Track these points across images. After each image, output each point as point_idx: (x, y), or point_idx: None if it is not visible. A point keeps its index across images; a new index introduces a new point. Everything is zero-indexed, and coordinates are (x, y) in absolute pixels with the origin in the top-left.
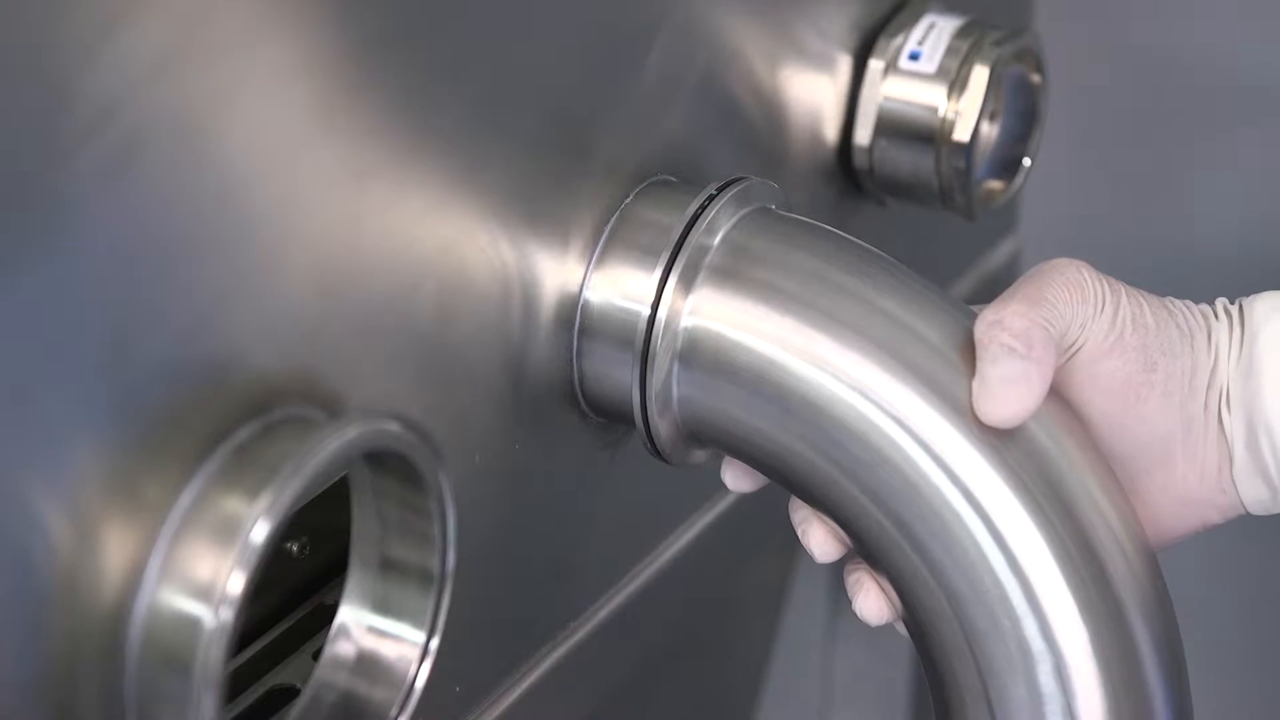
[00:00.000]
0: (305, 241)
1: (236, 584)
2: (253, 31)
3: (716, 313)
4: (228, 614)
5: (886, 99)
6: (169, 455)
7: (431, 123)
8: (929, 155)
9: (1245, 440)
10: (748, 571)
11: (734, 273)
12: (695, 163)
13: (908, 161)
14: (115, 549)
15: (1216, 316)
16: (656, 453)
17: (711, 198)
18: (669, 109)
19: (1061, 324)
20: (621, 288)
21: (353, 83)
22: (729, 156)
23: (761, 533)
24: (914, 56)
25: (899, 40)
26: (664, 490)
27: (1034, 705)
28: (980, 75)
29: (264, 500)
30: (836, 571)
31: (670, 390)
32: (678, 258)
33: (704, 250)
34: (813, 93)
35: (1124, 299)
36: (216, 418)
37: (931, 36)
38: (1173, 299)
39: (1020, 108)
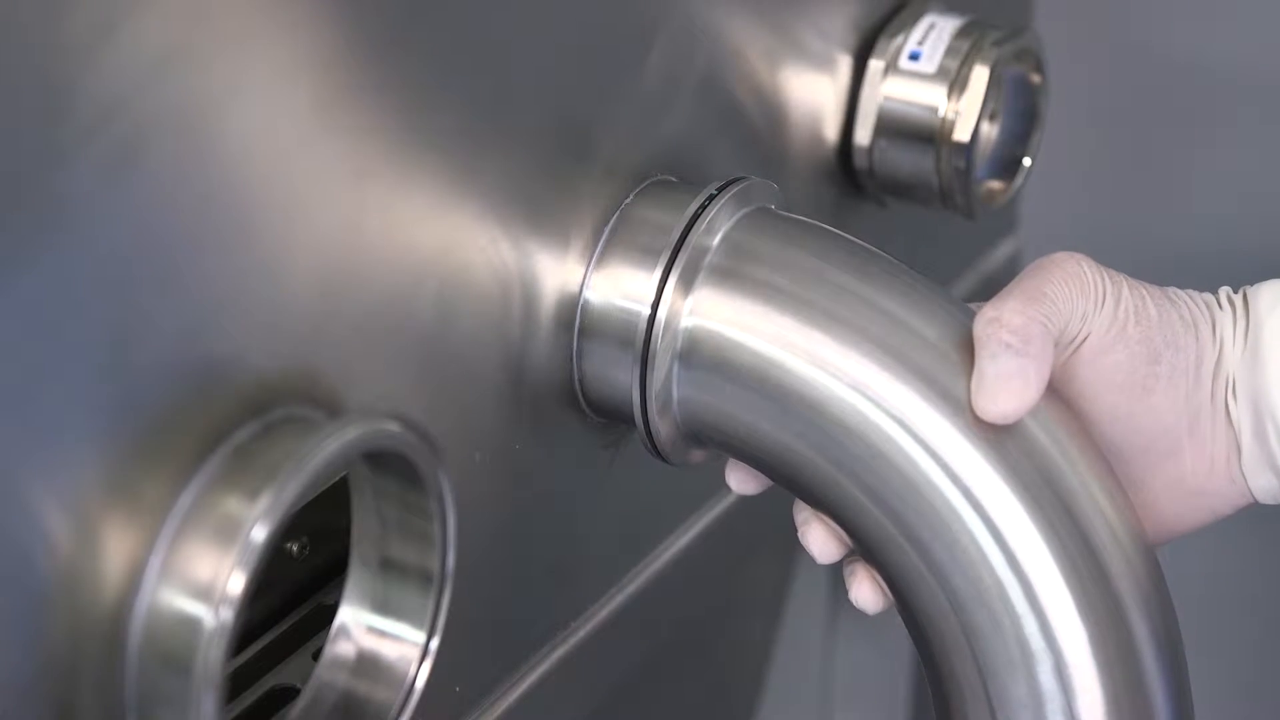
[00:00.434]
0: (305, 241)
1: (236, 584)
2: (253, 31)
3: (716, 312)
4: (228, 614)
5: (886, 99)
6: (169, 455)
7: (431, 123)
8: (929, 155)
9: (1253, 428)
10: (748, 571)
11: (734, 272)
12: (695, 163)
13: (908, 161)
14: (115, 549)
15: (1220, 306)
16: (656, 453)
17: (711, 198)
18: (669, 109)
19: (1061, 319)
20: (621, 288)
21: (353, 83)
22: (729, 156)
23: (761, 533)
24: (914, 56)
25: (899, 40)
26: (664, 490)
27: (1034, 704)
28: (980, 75)
29: (264, 500)
30: (836, 571)
31: (670, 390)
32: (678, 258)
33: (704, 250)
34: (813, 93)
35: (1125, 291)
36: (216, 418)
37: (931, 36)
38: (1175, 290)
39: (1020, 108)
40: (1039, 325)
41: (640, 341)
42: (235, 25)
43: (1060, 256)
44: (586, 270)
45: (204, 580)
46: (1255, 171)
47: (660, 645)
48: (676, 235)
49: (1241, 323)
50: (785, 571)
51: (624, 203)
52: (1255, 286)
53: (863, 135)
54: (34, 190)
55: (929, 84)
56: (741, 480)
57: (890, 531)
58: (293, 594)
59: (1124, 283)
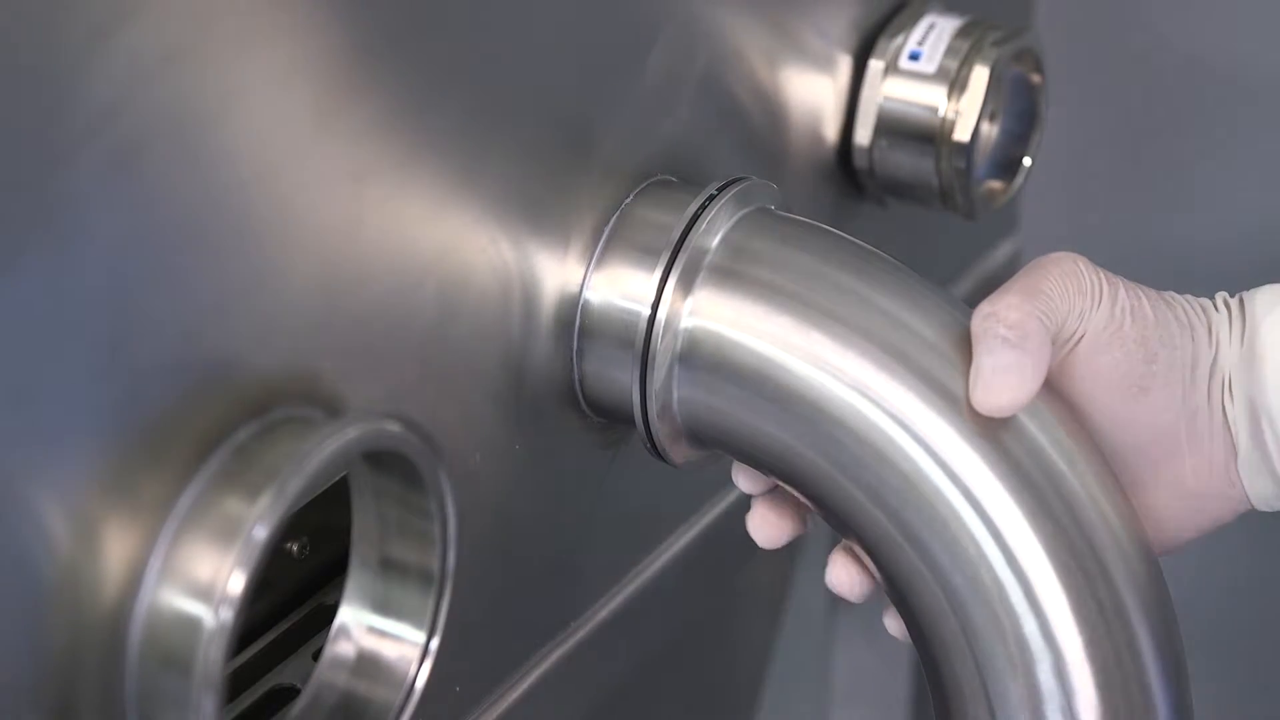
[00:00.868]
0: (305, 242)
1: (236, 584)
2: (253, 32)
3: (716, 313)
4: (228, 614)
5: (887, 99)
6: (169, 455)
7: (431, 123)
8: (929, 155)
9: (1249, 429)
10: (748, 571)
11: (734, 273)
12: (695, 163)
13: (908, 161)
14: (115, 549)
15: (1216, 309)
16: (656, 453)
17: (711, 198)
18: (669, 109)
19: (1058, 316)
20: (622, 288)
21: (353, 83)
22: (729, 156)
23: None
24: (914, 56)
25: (899, 40)
26: (664, 490)
27: (1033, 703)
28: (980, 75)
29: (264, 500)
30: None
31: (670, 390)
32: (678, 258)
33: (704, 250)
34: (813, 93)
35: (1122, 291)
36: (216, 418)
37: (931, 37)
38: (1172, 293)
39: (1020, 108)
40: (1036, 320)
41: (640, 342)
42: (235, 26)
43: (1057, 255)
44: (586, 270)
45: (204, 580)
46: (1255, 172)
47: (660, 645)
48: (676, 235)
49: (1238, 325)
50: (785, 571)
51: (624, 203)
52: (1251, 291)
53: (863, 135)
54: (34, 190)
55: (929, 84)
56: (749, 480)
57: (889, 531)
58: (293, 594)
59: (1120, 284)
